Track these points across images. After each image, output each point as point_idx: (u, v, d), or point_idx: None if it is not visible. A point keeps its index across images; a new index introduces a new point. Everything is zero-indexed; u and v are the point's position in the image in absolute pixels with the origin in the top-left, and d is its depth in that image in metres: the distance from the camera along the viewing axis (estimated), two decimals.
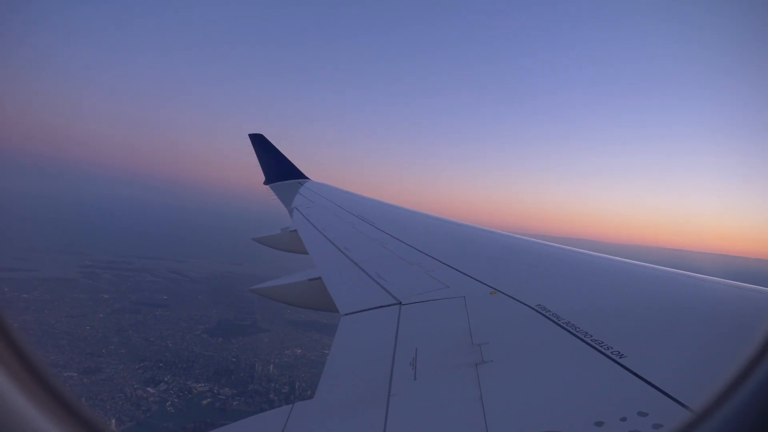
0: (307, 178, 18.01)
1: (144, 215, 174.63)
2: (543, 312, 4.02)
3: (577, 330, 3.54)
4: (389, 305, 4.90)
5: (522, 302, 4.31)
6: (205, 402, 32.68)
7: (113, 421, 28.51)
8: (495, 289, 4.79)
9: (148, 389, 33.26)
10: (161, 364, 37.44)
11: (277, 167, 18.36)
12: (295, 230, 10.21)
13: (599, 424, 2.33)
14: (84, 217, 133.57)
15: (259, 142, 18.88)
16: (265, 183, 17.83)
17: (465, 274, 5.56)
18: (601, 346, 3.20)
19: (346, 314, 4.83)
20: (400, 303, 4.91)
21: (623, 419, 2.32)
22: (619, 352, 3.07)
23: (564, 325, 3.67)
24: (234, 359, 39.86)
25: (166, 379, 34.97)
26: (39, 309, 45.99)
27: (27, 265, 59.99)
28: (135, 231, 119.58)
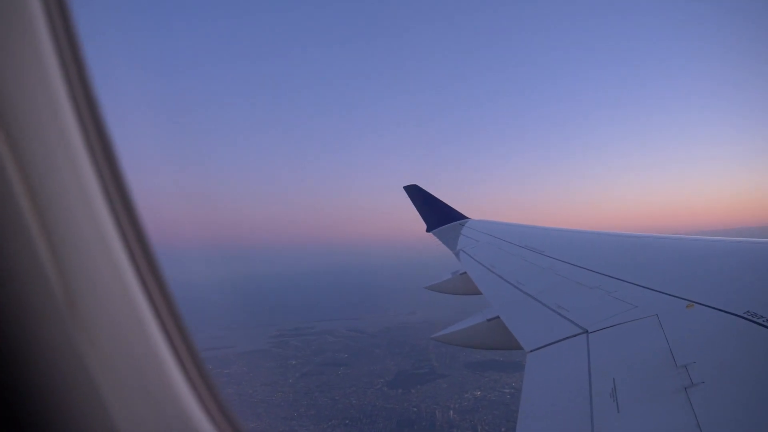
0: (467, 217, 18.00)
1: (318, 280, 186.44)
2: (754, 319, 3.55)
3: None
4: (575, 335, 4.62)
5: (725, 311, 3.85)
6: None
7: None
8: (690, 300, 4.33)
9: None
10: (347, 422, 38.92)
11: (436, 213, 18.55)
12: (465, 272, 10.08)
13: None
14: (265, 291, 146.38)
15: (415, 192, 19.49)
16: (428, 230, 18.12)
17: (652, 289, 5.08)
18: None
19: (531, 351, 4.63)
20: (587, 331, 4.60)
21: None
22: None
23: None
24: (415, 408, 40.12)
25: None
26: (238, 381, 50.61)
27: (225, 343, 66.76)
28: (313, 297, 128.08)
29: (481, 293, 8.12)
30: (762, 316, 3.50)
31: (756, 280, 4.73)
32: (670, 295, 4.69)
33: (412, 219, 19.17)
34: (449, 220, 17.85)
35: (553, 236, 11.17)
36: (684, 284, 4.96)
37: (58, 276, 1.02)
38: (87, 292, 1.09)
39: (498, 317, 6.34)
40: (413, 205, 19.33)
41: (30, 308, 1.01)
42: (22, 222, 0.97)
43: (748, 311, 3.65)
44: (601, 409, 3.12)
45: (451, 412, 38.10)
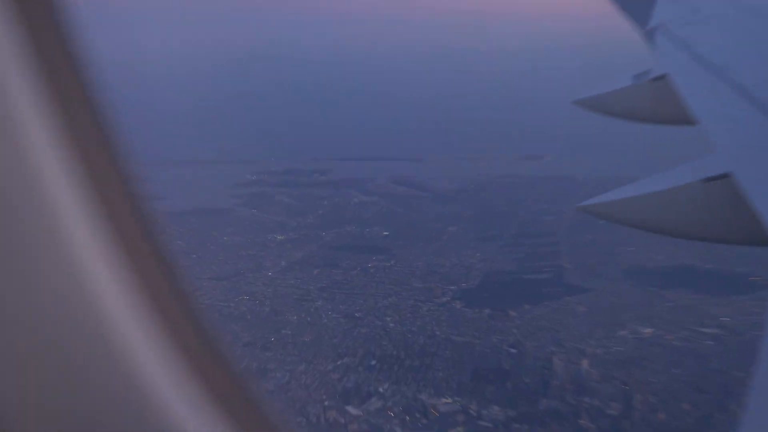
0: None
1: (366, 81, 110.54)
2: None
3: None
4: None
5: None
6: None
7: None
8: None
9: None
10: None
11: None
12: (663, 76, 6.19)
13: None
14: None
15: None
16: None
17: None
18: None
19: None
20: None
21: None
22: None
23: None
24: None
25: None
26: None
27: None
28: (355, 113, 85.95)
29: (691, 123, 5.00)
30: None
31: None
32: None
33: None
34: None
35: None
36: None
37: None
38: None
39: (727, 177, 3.72)
40: None
41: None
42: None
43: None
44: None
45: None
